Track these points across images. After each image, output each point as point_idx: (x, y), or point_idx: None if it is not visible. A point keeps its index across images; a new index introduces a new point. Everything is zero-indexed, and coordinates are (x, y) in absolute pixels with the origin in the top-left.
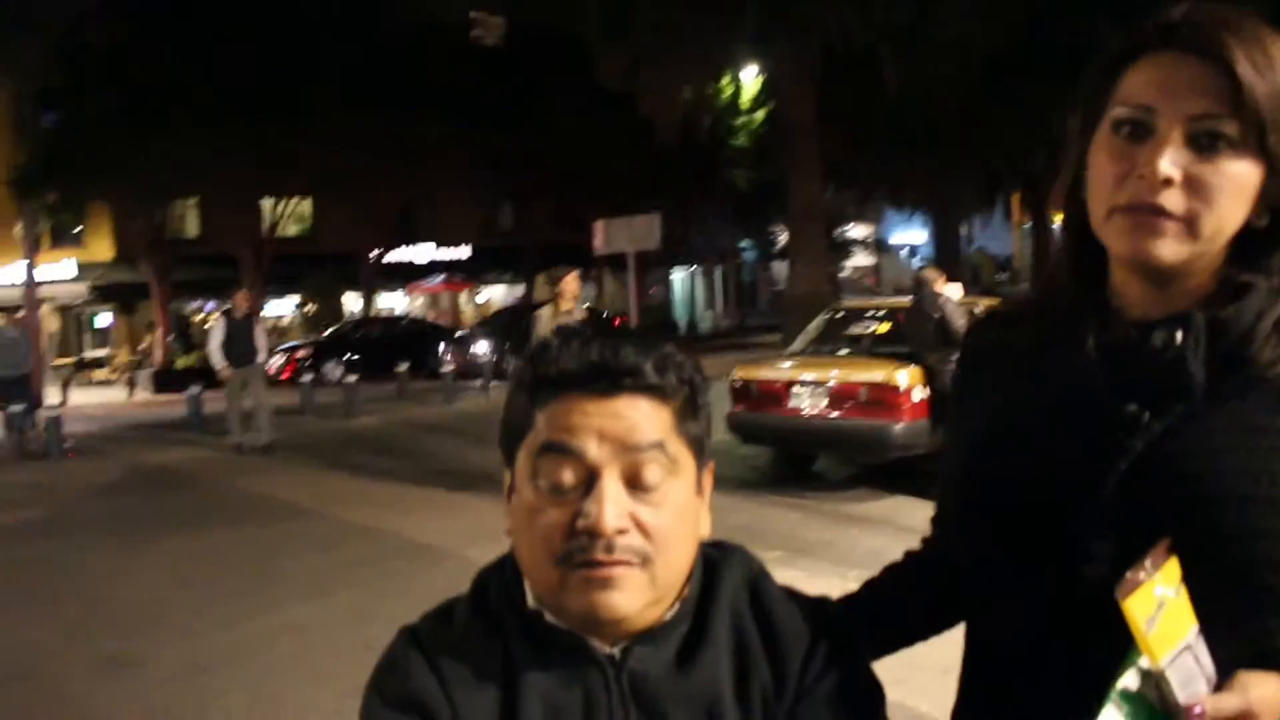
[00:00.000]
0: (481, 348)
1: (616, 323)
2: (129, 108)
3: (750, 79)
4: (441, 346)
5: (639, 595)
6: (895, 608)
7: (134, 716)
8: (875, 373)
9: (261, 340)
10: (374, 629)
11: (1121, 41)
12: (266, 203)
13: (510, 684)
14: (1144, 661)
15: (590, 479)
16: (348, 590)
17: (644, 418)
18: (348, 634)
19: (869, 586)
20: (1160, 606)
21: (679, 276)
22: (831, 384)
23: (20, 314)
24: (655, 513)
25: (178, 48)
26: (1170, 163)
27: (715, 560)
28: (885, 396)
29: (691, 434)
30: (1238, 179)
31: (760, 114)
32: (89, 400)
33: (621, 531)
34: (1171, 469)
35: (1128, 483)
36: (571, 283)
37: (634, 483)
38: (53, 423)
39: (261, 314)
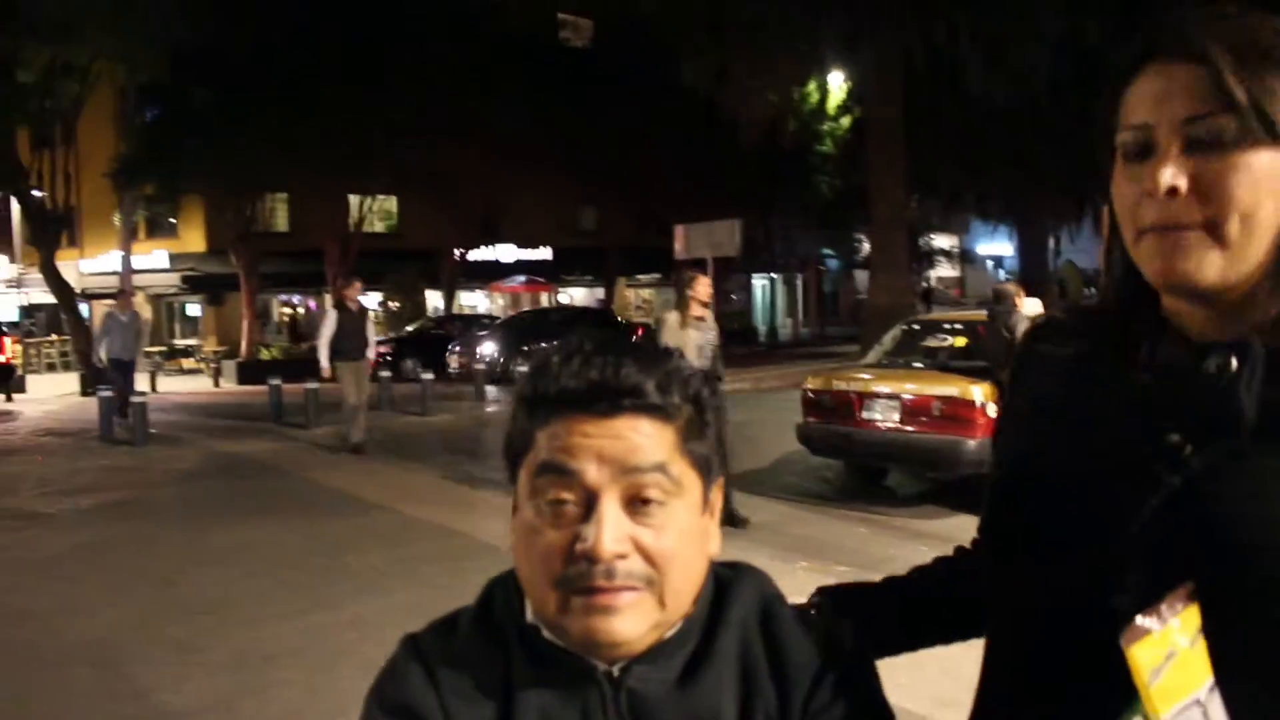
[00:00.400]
0: (488, 349)
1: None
2: (223, 104)
3: (837, 85)
4: (450, 345)
5: (643, 620)
6: (923, 606)
7: (196, 701)
8: (949, 387)
9: (371, 335)
10: None
11: (1116, 63)
12: (353, 199)
13: (508, 698)
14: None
15: (589, 501)
16: (412, 587)
17: (645, 439)
18: (409, 631)
19: (905, 578)
20: (1170, 656)
21: (760, 283)
22: (904, 397)
23: (124, 298)
24: (657, 535)
25: (271, 46)
26: (1172, 172)
27: (727, 580)
28: (959, 411)
29: (696, 453)
30: (1254, 170)
31: (846, 120)
32: (176, 388)
33: (621, 556)
34: (1207, 511)
35: (1160, 520)
36: (703, 287)
37: (635, 505)
38: (139, 409)
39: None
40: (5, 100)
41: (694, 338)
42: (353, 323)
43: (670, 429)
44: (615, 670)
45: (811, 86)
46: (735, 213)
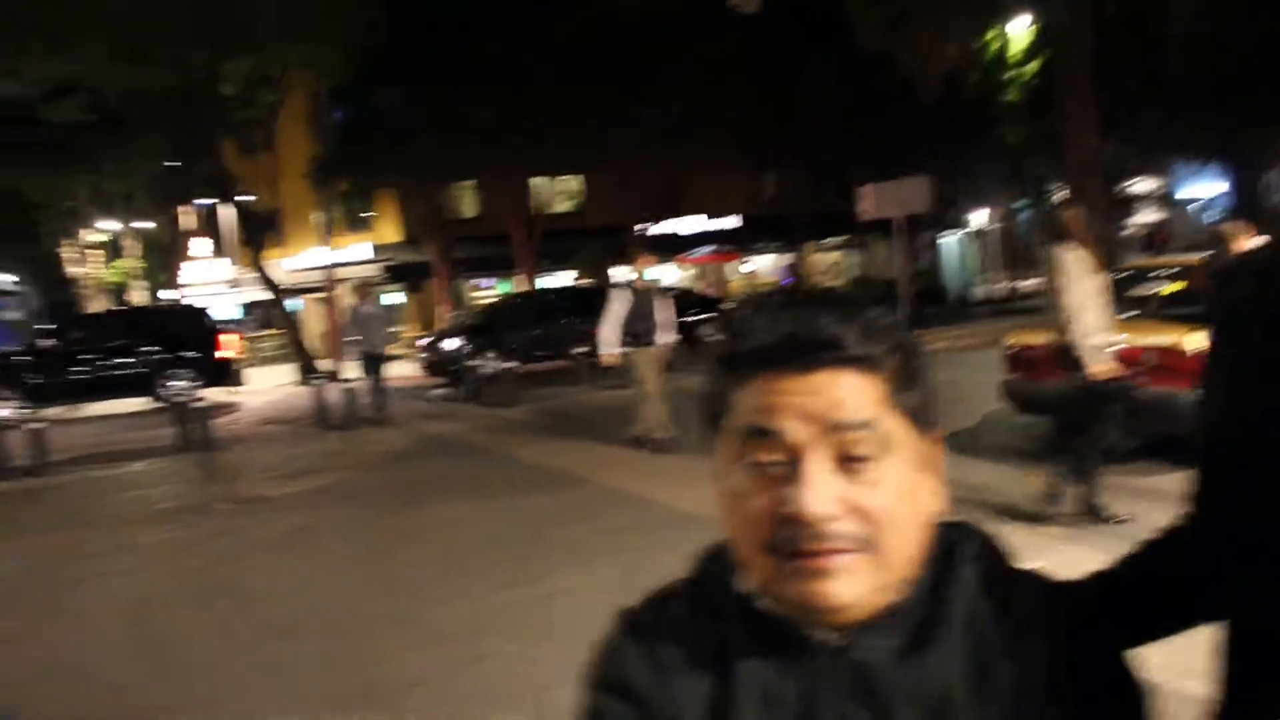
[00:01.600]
0: (452, 344)
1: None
2: (408, 99)
3: (1021, 29)
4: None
5: (860, 582)
6: (1140, 596)
7: (414, 673)
8: (1163, 336)
9: (661, 315)
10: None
11: None
12: (537, 181)
13: (725, 672)
14: None
15: (795, 462)
16: (616, 557)
17: (848, 393)
18: (617, 601)
19: (1118, 569)
20: None
21: (949, 240)
22: (1115, 349)
23: (366, 289)
24: (870, 494)
25: (447, 38)
26: None
27: (951, 540)
28: (1174, 362)
29: (907, 405)
30: None
31: (1032, 66)
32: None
33: (831, 518)
34: None
35: None
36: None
37: (844, 463)
38: (350, 395)
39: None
40: (212, 113)
41: (1096, 283)
42: (643, 303)
43: (875, 380)
44: (838, 640)
45: (992, 34)
46: (919, 169)
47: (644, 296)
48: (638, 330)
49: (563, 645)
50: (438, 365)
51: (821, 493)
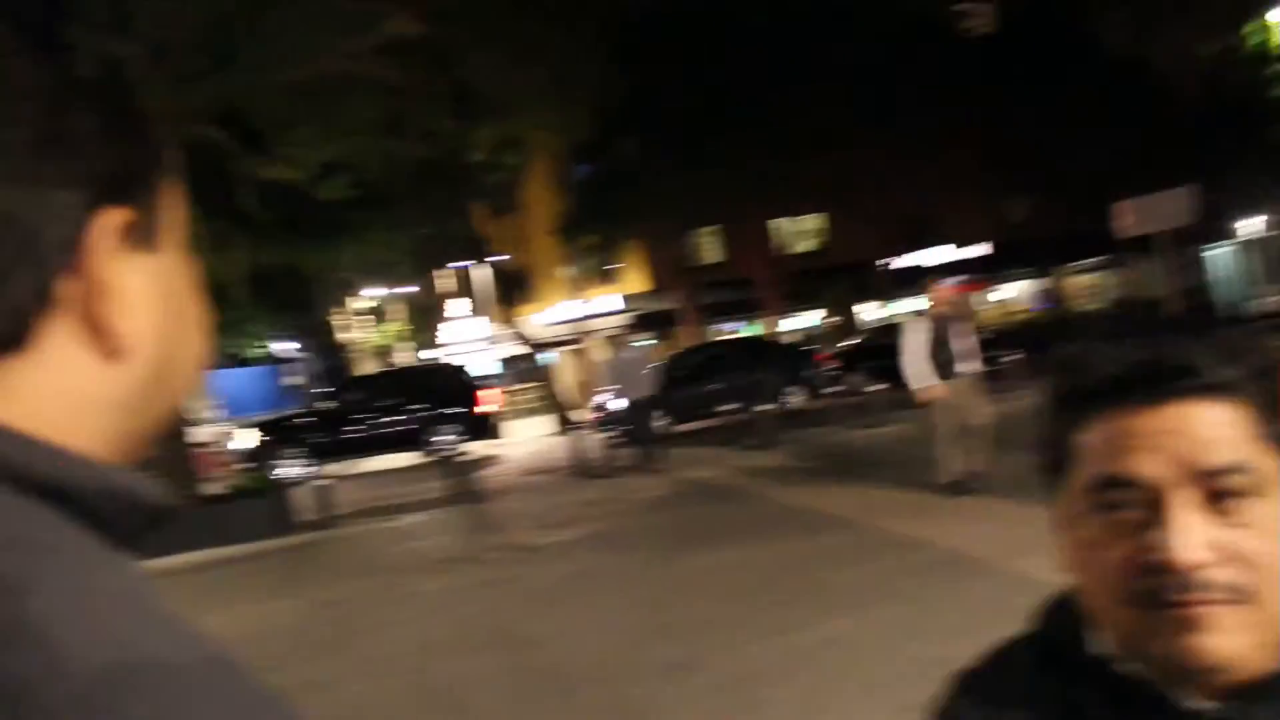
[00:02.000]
0: (619, 404)
1: None
2: (649, 150)
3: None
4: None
5: (1238, 637)
6: None
7: None
8: None
9: (963, 344)
10: (921, 643)
11: None
12: (779, 222)
13: None
14: None
15: (1155, 504)
16: (891, 602)
17: (1211, 426)
18: (894, 647)
19: None
20: None
21: (1218, 253)
22: None
23: (622, 335)
24: (1244, 537)
25: (685, 85)
26: None
27: None
28: None
29: (1276, 434)
30: None
31: None
32: None
33: (1204, 564)
34: None
35: None
36: None
37: (1212, 503)
38: (604, 444)
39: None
40: (463, 179)
41: None
42: (941, 332)
43: (1239, 410)
44: (1215, 710)
45: (1251, 26)
46: (1181, 179)
47: (942, 325)
48: (938, 361)
49: (839, 694)
50: (607, 424)
51: (1191, 537)
